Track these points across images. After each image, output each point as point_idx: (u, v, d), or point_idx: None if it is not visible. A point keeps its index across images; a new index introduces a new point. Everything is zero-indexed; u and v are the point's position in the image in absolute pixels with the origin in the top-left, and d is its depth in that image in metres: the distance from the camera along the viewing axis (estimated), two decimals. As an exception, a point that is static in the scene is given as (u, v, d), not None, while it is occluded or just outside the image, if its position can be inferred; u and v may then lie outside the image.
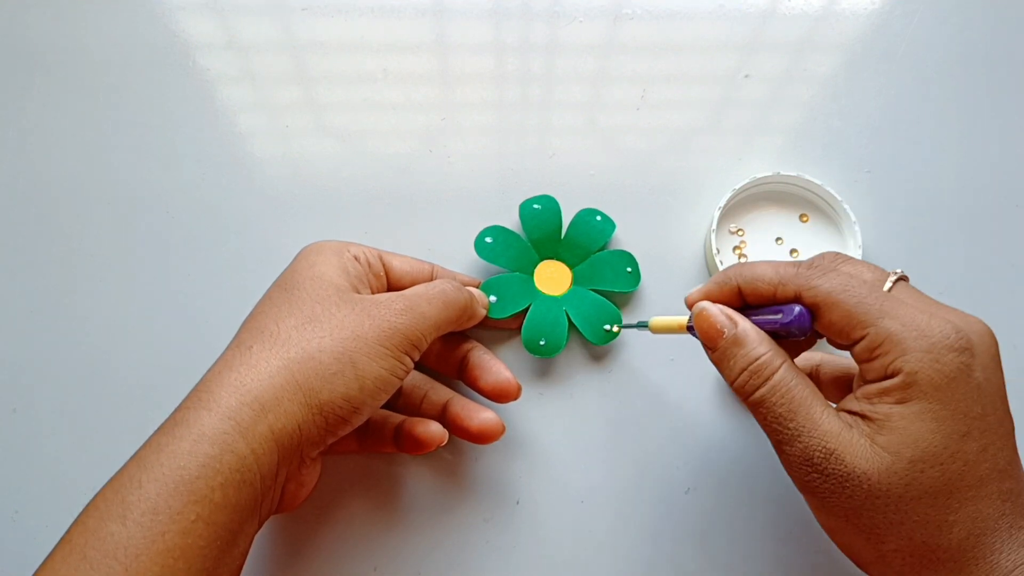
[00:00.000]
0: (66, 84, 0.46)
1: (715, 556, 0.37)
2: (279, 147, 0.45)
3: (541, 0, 0.48)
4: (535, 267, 0.41)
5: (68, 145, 0.45)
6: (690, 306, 0.32)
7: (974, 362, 0.26)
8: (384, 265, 0.37)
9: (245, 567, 0.37)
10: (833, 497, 0.27)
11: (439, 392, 0.37)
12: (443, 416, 0.36)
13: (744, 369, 0.29)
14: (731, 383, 0.30)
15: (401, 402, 0.38)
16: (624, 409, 0.40)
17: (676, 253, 0.43)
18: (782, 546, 0.38)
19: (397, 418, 0.36)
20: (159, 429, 0.29)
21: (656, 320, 0.35)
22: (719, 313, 0.30)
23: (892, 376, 0.26)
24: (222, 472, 0.27)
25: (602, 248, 0.42)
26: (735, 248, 0.43)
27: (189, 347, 0.40)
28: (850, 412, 0.28)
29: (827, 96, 0.47)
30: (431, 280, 0.38)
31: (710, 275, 0.42)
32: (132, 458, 0.28)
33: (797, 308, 0.29)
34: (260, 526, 0.30)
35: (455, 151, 0.45)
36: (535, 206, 0.42)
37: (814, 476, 0.27)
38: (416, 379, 0.38)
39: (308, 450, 0.30)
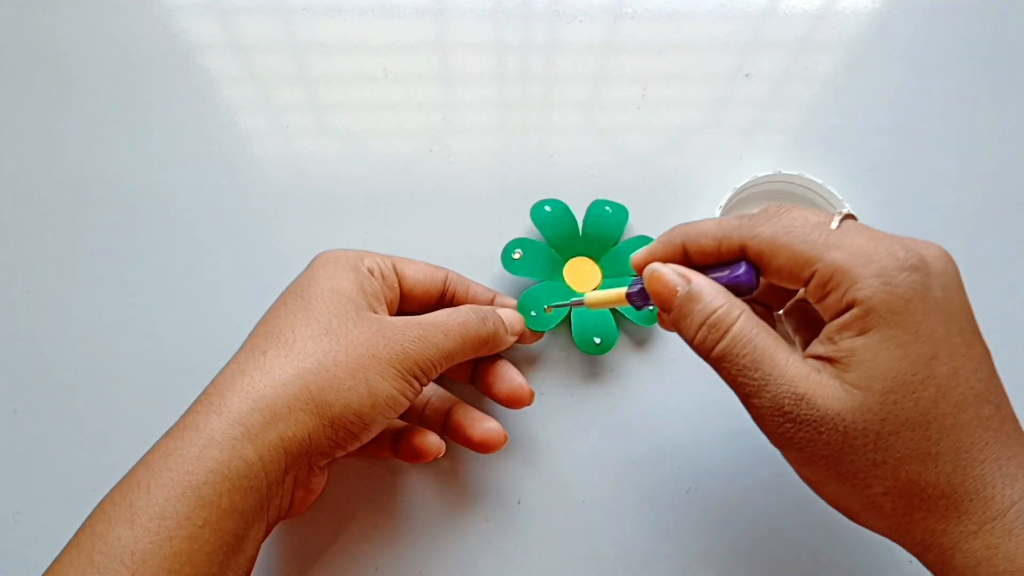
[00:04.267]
0: (66, 84, 0.46)
1: (715, 556, 0.37)
2: (280, 147, 0.45)
3: (541, 0, 0.48)
4: (562, 268, 0.41)
5: (68, 145, 0.45)
6: (636, 267, 0.31)
7: (931, 280, 0.25)
8: (397, 274, 0.36)
9: (246, 567, 0.37)
10: (810, 445, 0.26)
11: (443, 399, 0.37)
12: (446, 423, 0.36)
13: (702, 324, 0.27)
14: (690, 341, 0.28)
15: None
16: (625, 409, 0.40)
17: (677, 252, 0.43)
18: (782, 546, 0.38)
19: (398, 424, 0.36)
20: (168, 433, 0.29)
21: (592, 295, 0.35)
22: (671, 272, 0.29)
23: (848, 309, 0.25)
24: (230, 478, 0.27)
25: (621, 236, 0.42)
26: (736, 247, 0.43)
27: (189, 347, 0.40)
28: (816, 358, 0.27)
29: (828, 95, 0.46)
30: (443, 289, 0.37)
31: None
32: (140, 462, 0.28)
33: (743, 265, 0.28)
34: (268, 532, 0.30)
35: (456, 151, 0.45)
36: (546, 208, 0.41)
37: (787, 426, 0.26)
38: None
39: (316, 459, 0.30)
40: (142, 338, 0.41)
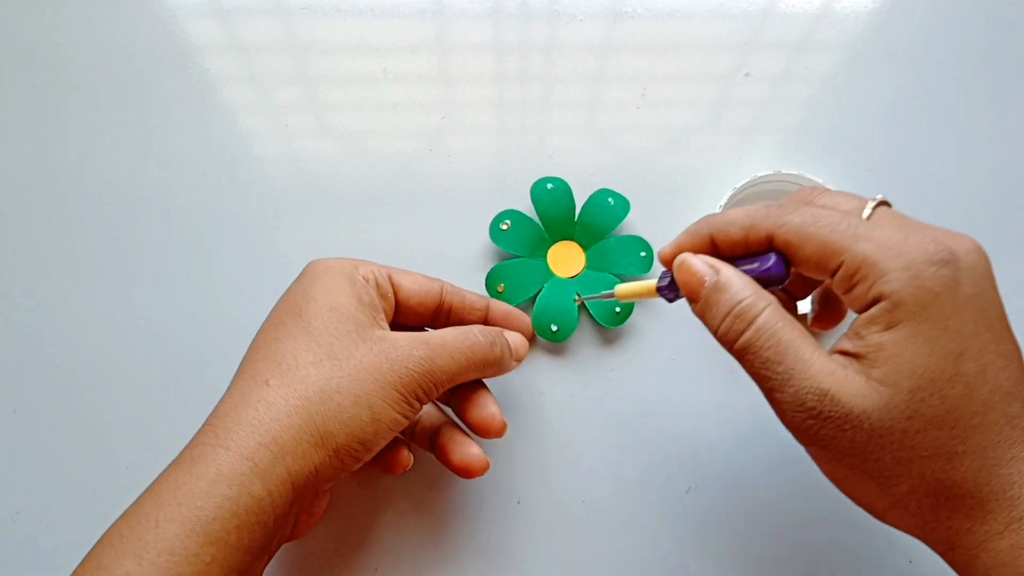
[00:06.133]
0: (66, 84, 0.46)
1: (715, 556, 0.37)
2: (279, 147, 0.45)
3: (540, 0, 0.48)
4: (548, 248, 0.42)
5: (68, 145, 0.45)
6: (664, 260, 0.31)
7: (961, 275, 0.25)
8: (393, 285, 0.35)
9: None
10: (834, 443, 0.25)
11: (432, 418, 0.36)
12: (433, 442, 0.36)
13: (727, 314, 0.27)
14: (715, 332, 0.28)
15: None
16: (624, 409, 0.40)
17: (676, 252, 0.43)
18: (782, 546, 0.38)
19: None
20: (175, 464, 0.29)
21: (622, 287, 0.35)
22: (700, 262, 0.29)
23: (875, 302, 0.25)
24: (238, 514, 0.27)
25: (615, 230, 0.42)
26: (736, 247, 0.43)
27: (189, 346, 0.40)
28: (843, 353, 0.26)
29: (827, 94, 0.46)
30: (439, 300, 0.36)
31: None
32: (148, 493, 0.28)
33: (772, 256, 0.28)
34: (269, 560, 0.30)
35: (455, 150, 0.45)
36: (548, 186, 0.42)
37: (810, 423, 0.25)
38: None
39: (321, 485, 0.30)
40: (142, 338, 0.41)
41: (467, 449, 0.34)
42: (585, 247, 0.42)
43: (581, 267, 0.41)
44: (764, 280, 0.28)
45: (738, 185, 0.41)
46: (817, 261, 0.26)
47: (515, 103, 0.46)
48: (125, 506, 0.38)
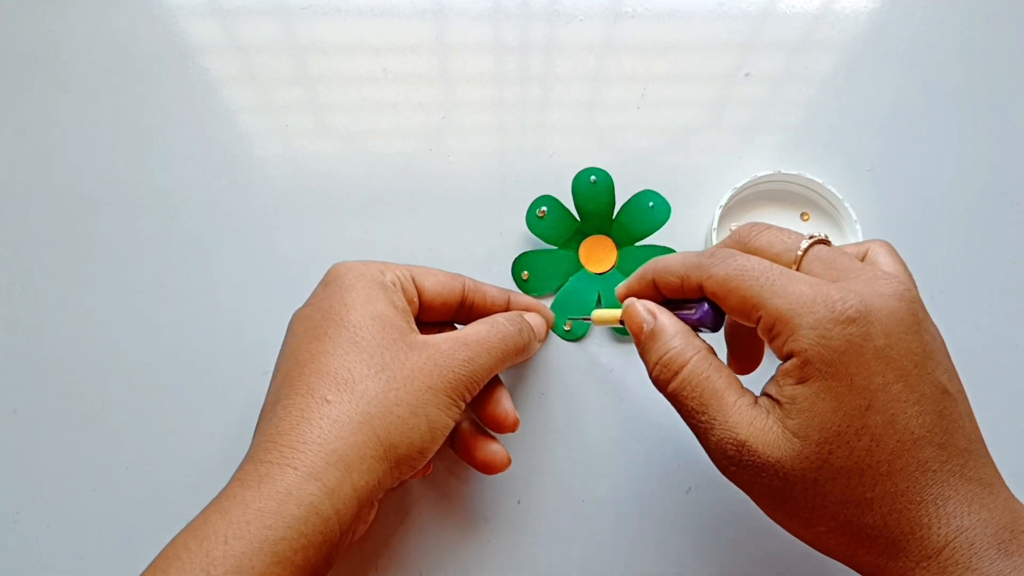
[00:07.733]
0: (66, 84, 0.46)
1: (715, 556, 0.37)
2: (279, 147, 0.45)
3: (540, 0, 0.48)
4: (582, 241, 0.42)
5: (68, 145, 0.45)
6: (619, 299, 0.33)
7: (871, 329, 0.25)
8: (417, 287, 0.35)
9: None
10: (755, 486, 0.27)
11: None
12: (454, 437, 0.36)
13: (657, 362, 0.29)
14: (649, 375, 0.30)
15: None
16: (625, 409, 0.40)
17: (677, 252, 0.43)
18: (782, 546, 0.38)
19: None
20: (240, 481, 0.28)
21: (597, 313, 0.37)
22: (641, 308, 0.31)
23: (790, 357, 0.26)
24: (306, 534, 0.27)
25: (651, 234, 0.42)
26: (736, 247, 0.43)
27: (189, 346, 0.40)
28: (768, 396, 0.28)
29: (828, 94, 0.46)
30: (461, 297, 0.36)
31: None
32: (213, 508, 0.28)
33: (704, 305, 0.30)
34: (328, 572, 0.30)
35: (455, 150, 0.45)
36: (592, 178, 0.41)
37: (732, 468, 0.28)
38: None
39: (378, 495, 0.31)
40: (142, 338, 0.41)
41: (490, 446, 0.35)
42: (619, 246, 0.42)
43: (611, 264, 0.42)
44: (698, 326, 0.30)
45: (738, 185, 0.41)
46: (740, 313, 0.28)
47: (515, 103, 0.46)
48: (124, 507, 0.38)
